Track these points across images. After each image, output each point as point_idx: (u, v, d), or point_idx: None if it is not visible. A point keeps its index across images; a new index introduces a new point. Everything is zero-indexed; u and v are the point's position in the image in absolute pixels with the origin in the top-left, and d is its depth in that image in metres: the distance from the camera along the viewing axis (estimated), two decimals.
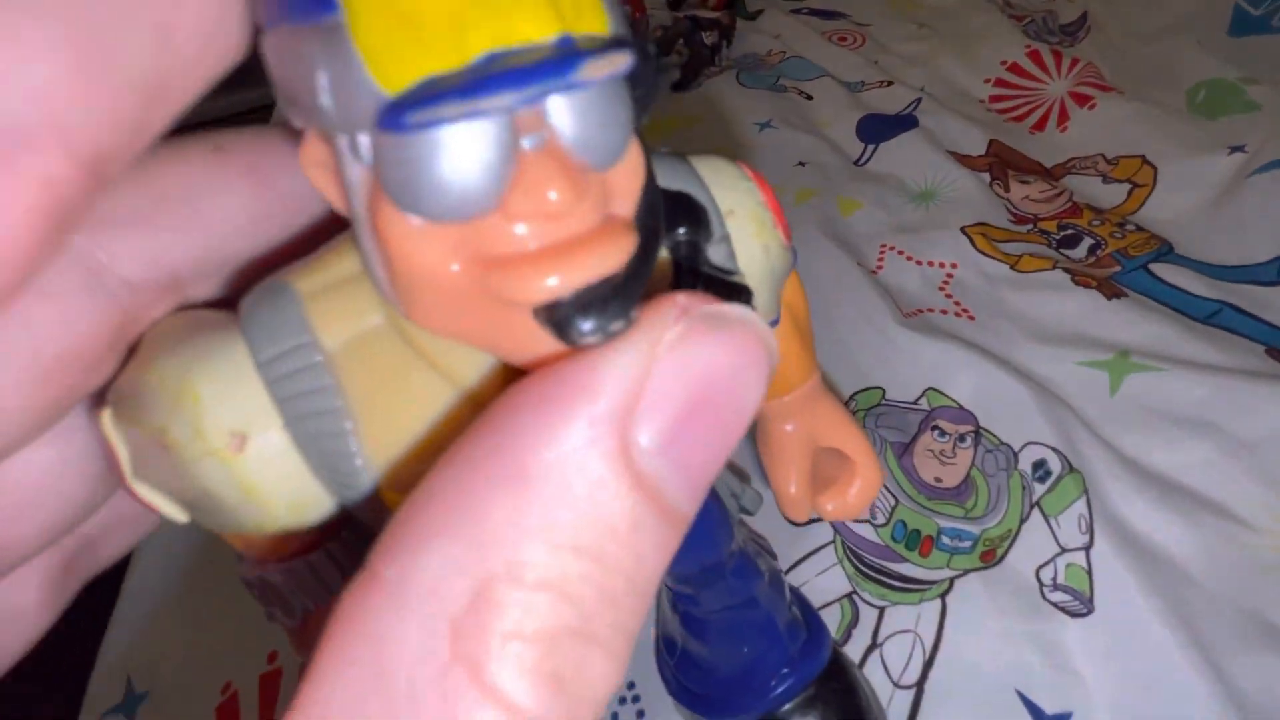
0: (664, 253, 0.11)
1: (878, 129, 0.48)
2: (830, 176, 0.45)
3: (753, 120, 0.50)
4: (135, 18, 0.06)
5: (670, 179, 0.11)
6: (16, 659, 0.12)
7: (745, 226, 0.12)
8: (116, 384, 0.10)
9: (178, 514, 0.10)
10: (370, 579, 0.07)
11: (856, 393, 0.33)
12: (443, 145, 0.07)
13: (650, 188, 0.09)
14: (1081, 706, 0.23)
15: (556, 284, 0.07)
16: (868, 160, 0.46)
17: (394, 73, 0.07)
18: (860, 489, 0.18)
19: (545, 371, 0.08)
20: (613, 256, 0.08)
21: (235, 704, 0.26)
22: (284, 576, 0.13)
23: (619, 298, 0.08)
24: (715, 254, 0.11)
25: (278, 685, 0.26)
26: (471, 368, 0.09)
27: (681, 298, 0.08)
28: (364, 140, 0.07)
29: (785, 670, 0.20)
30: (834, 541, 0.27)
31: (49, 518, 0.11)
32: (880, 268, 0.39)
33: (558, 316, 0.08)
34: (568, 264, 0.08)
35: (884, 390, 0.33)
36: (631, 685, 0.25)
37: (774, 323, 0.15)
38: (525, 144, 0.07)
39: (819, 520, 0.28)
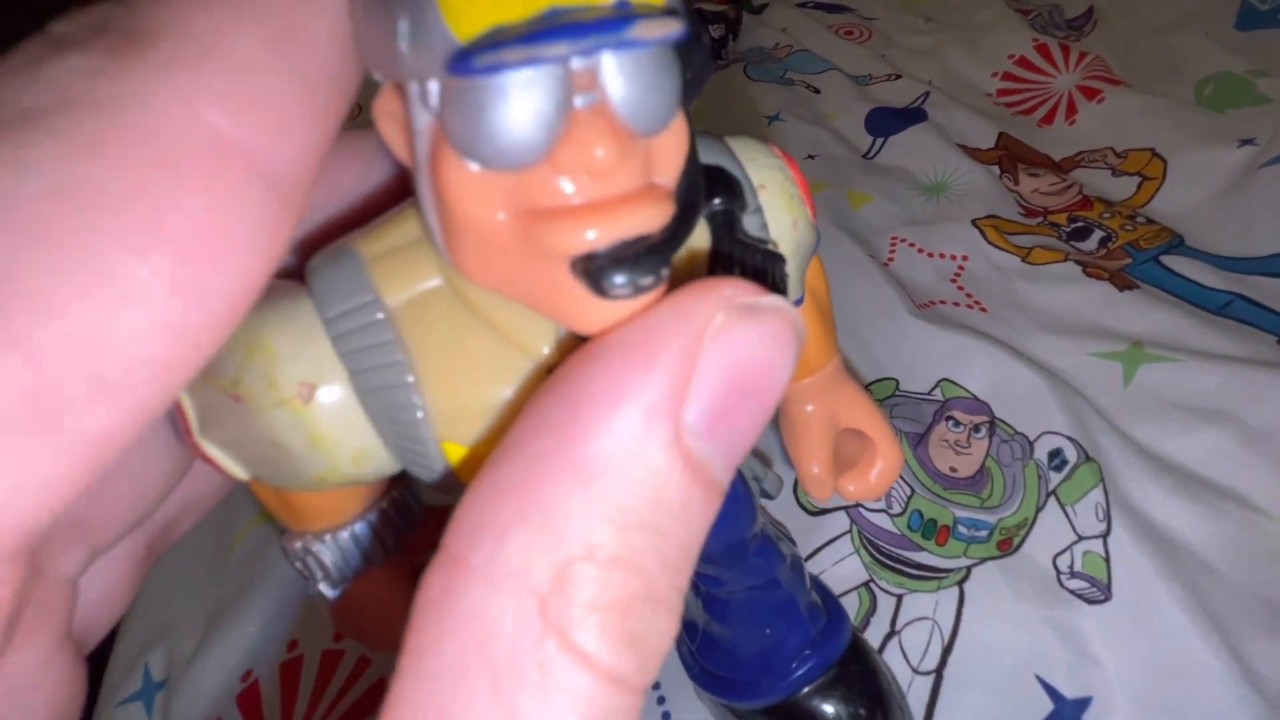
0: (702, 223, 0.11)
1: (886, 122, 0.48)
2: (840, 169, 0.45)
3: (761, 114, 0.50)
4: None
5: (706, 154, 0.12)
6: (101, 639, 0.12)
7: (776, 200, 0.12)
8: None
9: (240, 471, 0.11)
10: (455, 563, 0.08)
11: (871, 384, 0.33)
12: (503, 93, 0.07)
13: (693, 163, 0.09)
14: (1102, 691, 0.23)
15: (594, 237, 0.08)
16: (877, 153, 0.47)
17: (466, 21, 0.07)
18: (882, 470, 0.18)
19: (601, 359, 0.08)
20: (650, 218, 0.08)
21: (256, 692, 0.26)
22: (328, 547, 0.13)
23: (652, 256, 0.08)
24: (750, 224, 0.12)
25: (299, 673, 0.26)
26: (525, 326, 0.10)
27: (725, 287, 0.08)
28: (433, 87, 0.08)
29: (807, 652, 0.20)
30: (850, 531, 0.28)
31: (136, 496, 0.11)
32: (892, 259, 0.39)
33: (592, 268, 0.08)
34: (607, 219, 0.08)
35: (898, 381, 0.33)
36: None
37: (798, 302, 0.15)
38: (578, 102, 0.08)
39: (836, 509, 0.28)
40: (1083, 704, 0.23)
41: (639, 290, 0.08)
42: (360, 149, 0.12)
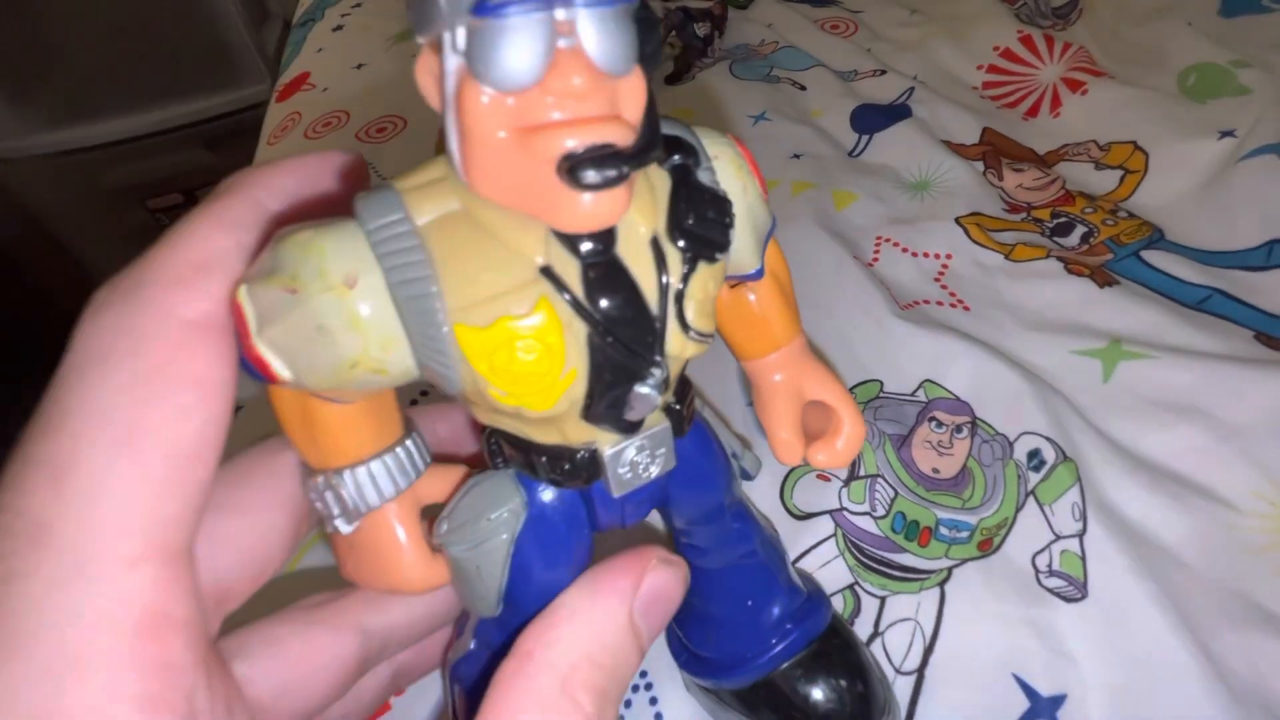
0: (666, 173, 0.14)
1: (872, 119, 0.48)
2: (825, 169, 0.45)
3: (746, 113, 0.50)
4: None
5: (671, 129, 0.15)
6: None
7: (726, 168, 0.15)
8: (249, 271, 0.13)
9: (285, 372, 0.13)
10: (526, 654, 0.14)
11: (855, 385, 0.34)
12: (508, 32, 0.11)
13: (652, 113, 0.12)
14: (1076, 688, 0.24)
15: (573, 143, 0.11)
16: (862, 151, 0.47)
17: None
18: (847, 438, 0.19)
19: (609, 569, 0.16)
20: (614, 132, 0.11)
21: None
22: (346, 481, 0.15)
23: (616, 158, 0.11)
24: (703, 177, 0.15)
25: None
26: (522, 236, 0.13)
27: (657, 551, 0.16)
28: (461, 33, 0.11)
29: (788, 626, 0.21)
30: (835, 534, 0.28)
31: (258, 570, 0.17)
32: (876, 260, 0.39)
33: (571, 165, 0.11)
34: (582, 129, 0.11)
35: (882, 383, 0.33)
36: (644, 674, 0.26)
37: (758, 273, 0.17)
38: (561, 43, 0.11)
39: (821, 513, 0.29)
40: (1057, 701, 0.23)
41: (607, 182, 0.11)
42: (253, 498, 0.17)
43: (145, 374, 0.12)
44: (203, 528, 0.13)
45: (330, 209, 0.13)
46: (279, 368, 0.13)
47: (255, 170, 0.15)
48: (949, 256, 0.39)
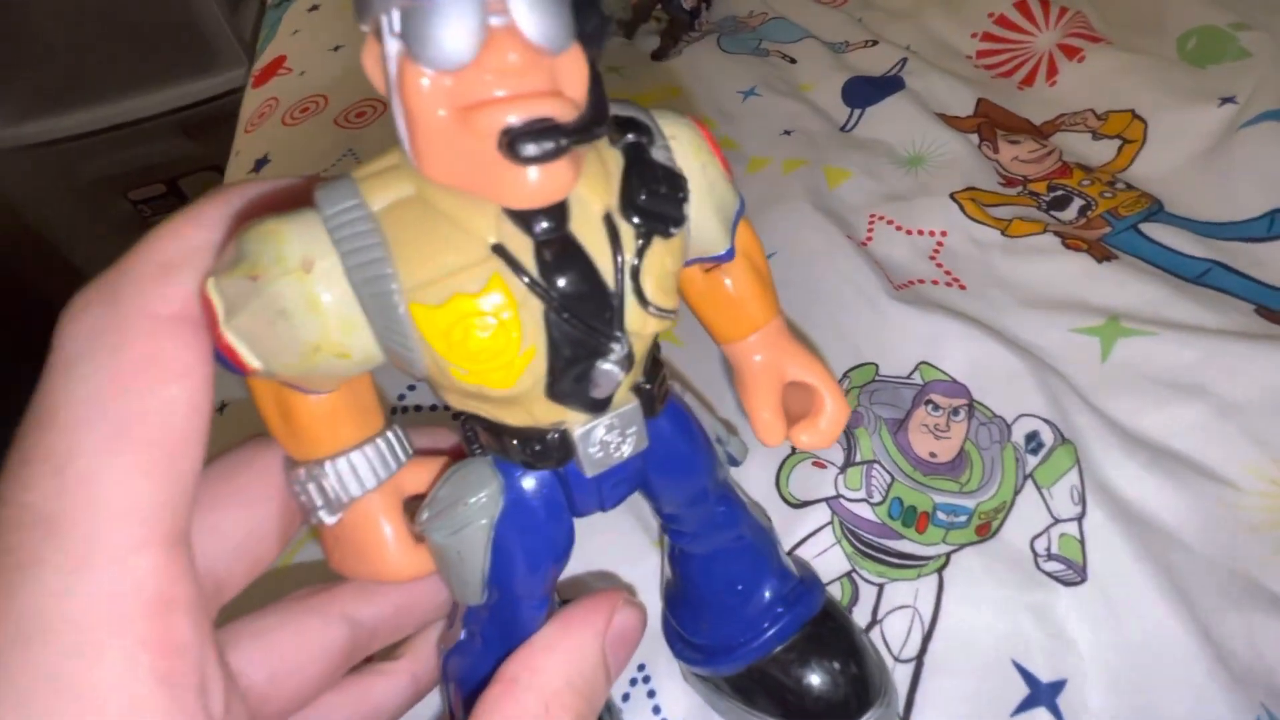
0: (619, 153, 0.14)
1: (864, 92, 0.47)
2: (817, 145, 0.44)
3: (736, 89, 0.48)
4: None
5: (625, 110, 0.15)
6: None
7: (684, 148, 0.15)
8: (217, 264, 0.13)
9: (254, 360, 0.13)
10: (511, 679, 0.16)
11: (850, 369, 0.33)
12: (440, 10, 0.11)
13: (596, 86, 0.12)
14: (1076, 673, 0.23)
15: (512, 118, 0.11)
16: (855, 125, 0.46)
17: None
18: (829, 418, 0.19)
19: (584, 607, 0.17)
20: (553, 106, 0.11)
21: None
22: (327, 472, 0.15)
23: (555, 131, 0.11)
24: (657, 155, 0.15)
25: None
26: (474, 216, 0.13)
27: (623, 595, 0.18)
28: (395, 15, 0.11)
29: (779, 609, 0.21)
30: (832, 522, 0.28)
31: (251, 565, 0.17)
32: (870, 239, 0.39)
33: (511, 139, 0.11)
34: (520, 105, 0.11)
35: (877, 366, 0.33)
36: (641, 666, 0.26)
37: (728, 254, 0.17)
38: (494, 21, 0.11)
39: (817, 500, 0.29)
40: (1057, 687, 0.23)
41: (545, 155, 0.11)
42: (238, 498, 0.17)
43: (129, 368, 0.13)
44: (195, 521, 0.14)
45: (298, 206, 0.14)
46: (248, 356, 0.13)
47: (228, 183, 0.16)
48: (944, 234, 0.38)
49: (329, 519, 0.16)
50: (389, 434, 0.16)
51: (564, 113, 0.12)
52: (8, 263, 0.90)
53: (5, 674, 0.12)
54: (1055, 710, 0.23)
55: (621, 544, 0.27)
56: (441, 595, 0.20)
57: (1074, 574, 0.26)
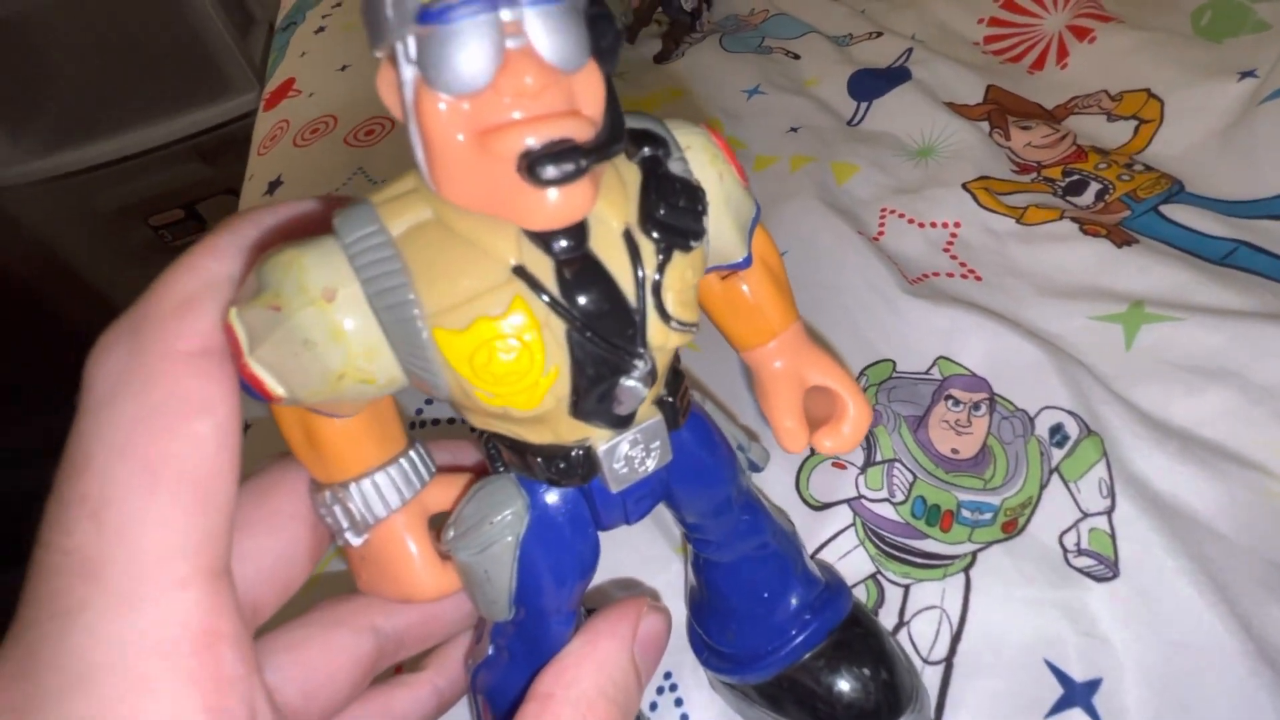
0: (637, 166, 0.14)
1: (870, 85, 0.46)
2: (824, 140, 0.44)
3: (740, 88, 0.48)
4: None
5: (639, 122, 0.15)
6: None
7: (699, 157, 0.15)
8: (238, 294, 0.13)
9: (279, 388, 0.13)
10: (547, 695, 0.16)
11: (867, 367, 0.33)
12: (456, 36, 0.11)
13: (614, 108, 0.12)
14: (1111, 671, 0.23)
15: (531, 140, 0.11)
16: (861, 119, 0.45)
17: None
18: (852, 422, 0.19)
19: (614, 613, 0.17)
20: (571, 126, 0.12)
21: None
22: (352, 494, 0.15)
23: (574, 152, 0.11)
24: (674, 168, 0.15)
25: None
26: (494, 238, 0.13)
27: (647, 601, 0.18)
28: (411, 41, 0.11)
29: (807, 617, 0.20)
30: (855, 523, 0.28)
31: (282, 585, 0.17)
32: (881, 234, 0.38)
33: (530, 162, 0.11)
34: (538, 126, 0.11)
35: (894, 362, 0.32)
36: (668, 675, 0.25)
37: (745, 261, 0.17)
38: (510, 44, 0.11)
39: (839, 502, 0.28)
40: (1093, 686, 0.23)
41: (565, 176, 0.11)
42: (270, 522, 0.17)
43: (156, 407, 0.13)
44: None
45: (314, 232, 0.14)
46: (273, 385, 0.13)
47: (242, 211, 0.16)
48: (957, 225, 0.37)
49: (355, 540, 0.16)
50: (411, 453, 0.16)
51: (582, 132, 0.12)
52: (36, 292, 0.92)
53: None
54: (1091, 710, 0.22)
55: (644, 551, 0.27)
56: (468, 606, 0.20)
57: (1105, 569, 0.25)
